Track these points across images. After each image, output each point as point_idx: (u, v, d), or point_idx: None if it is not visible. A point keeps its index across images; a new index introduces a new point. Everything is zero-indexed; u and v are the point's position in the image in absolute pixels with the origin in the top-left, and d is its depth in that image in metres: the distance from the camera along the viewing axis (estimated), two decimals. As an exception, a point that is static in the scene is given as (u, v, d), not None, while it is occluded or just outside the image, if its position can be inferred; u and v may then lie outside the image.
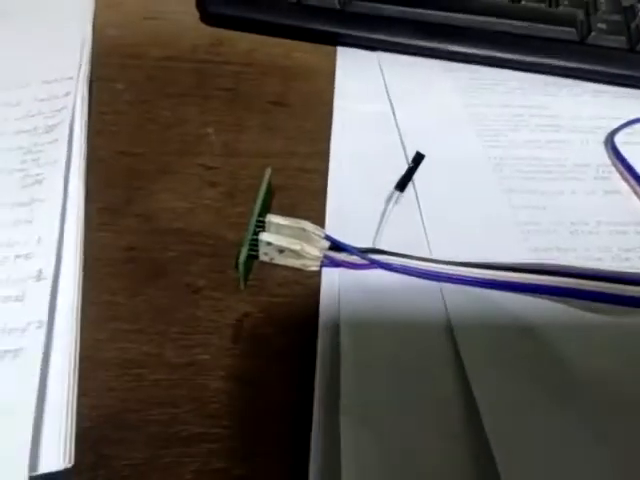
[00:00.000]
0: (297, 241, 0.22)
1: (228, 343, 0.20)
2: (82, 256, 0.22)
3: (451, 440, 0.18)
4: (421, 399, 0.19)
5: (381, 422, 0.18)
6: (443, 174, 0.27)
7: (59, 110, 0.28)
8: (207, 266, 0.22)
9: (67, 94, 0.29)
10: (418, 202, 0.25)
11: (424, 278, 0.22)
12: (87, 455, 0.17)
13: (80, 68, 0.31)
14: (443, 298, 0.21)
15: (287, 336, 0.20)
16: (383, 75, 0.33)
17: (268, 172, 0.24)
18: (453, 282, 0.22)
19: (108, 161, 0.27)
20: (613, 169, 0.28)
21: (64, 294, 0.20)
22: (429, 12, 0.34)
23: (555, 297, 0.22)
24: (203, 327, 0.20)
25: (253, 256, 0.22)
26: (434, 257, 0.23)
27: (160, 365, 0.19)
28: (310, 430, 0.18)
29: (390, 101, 0.31)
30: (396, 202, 0.24)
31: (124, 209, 0.24)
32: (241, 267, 0.21)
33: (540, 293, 0.22)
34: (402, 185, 0.23)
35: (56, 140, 0.26)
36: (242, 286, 0.21)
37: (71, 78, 0.30)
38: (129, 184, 0.26)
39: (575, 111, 0.31)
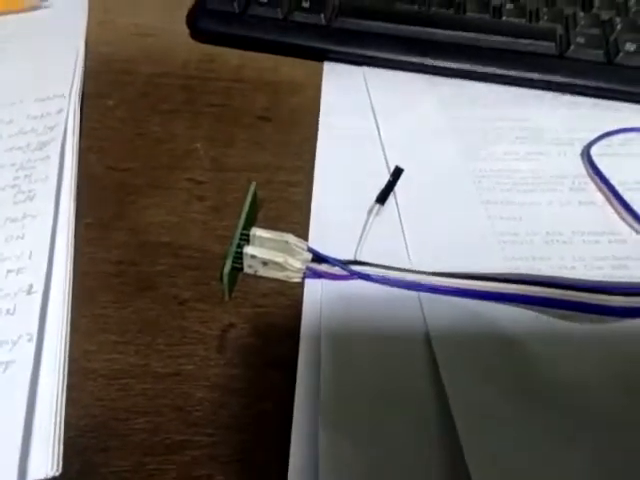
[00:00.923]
0: (280, 254, 0.23)
1: (213, 353, 0.21)
2: (72, 270, 0.23)
3: (429, 447, 0.18)
4: (399, 407, 0.19)
5: (359, 431, 0.18)
6: (424, 187, 0.27)
7: (52, 127, 0.29)
8: (193, 278, 0.23)
9: (60, 111, 0.30)
10: (399, 214, 0.26)
11: (403, 288, 0.23)
12: (74, 463, 0.18)
13: (72, 85, 0.32)
14: (422, 307, 0.22)
15: (271, 346, 0.21)
16: (368, 90, 0.34)
17: (252, 186, 0.24)
18: (431, 292, 0.23)
19: (98, 176, 0.27)
20: (589, 180, 0.28)
21: (54, 307, 0.21)
22: (413, 28, 0.35)
23: (530, 306, 0.22)
24: (189, 338, 0.21)
25: (237, 268, 0.23)
26: (414, 267, 0.23)
27: (146, 375, 0.20)
28: (290, 437, 0.18)
29: (374, 116, 0.32)
30: (377, 214, 0.25)
31: (114, 224, 0.25)
32: (225, 279, 0.21)
33: (516, 302, 0.22)
34: (382, 198, 0.24)
35: (48, 157, 0.27)
36: (227, 297, 0.22)
37: (63, 96, 0.31)
38: (119, 199, 0.26)
39: (553, 123, 0.32)
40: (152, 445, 0.18)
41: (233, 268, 0.22)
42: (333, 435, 0.18)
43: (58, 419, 0.18)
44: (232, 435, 0.19)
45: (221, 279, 0.22)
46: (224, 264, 0.22)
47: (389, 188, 0.24)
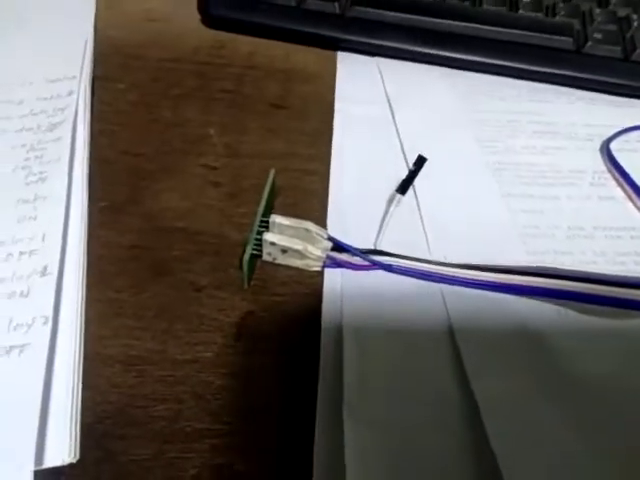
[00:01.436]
0: (300, 241, 0.22)
1: (231, 341, 0.20)
2: (86, 253, 0.22)
3: (453, 439, 0.18)
4: (423, 399, 0.19)
5: (384, 422, 0.18)
6: (442, 178, 0.27)
7: (62, 109, 0.28)
8: (210, 265, 0.23)
9: (70, 93, 0.29)
10: (418, 205, 0.26)
11: (424, 279, 0.22)
12: (92, 450, 0.17)
13: (83, 68, 0.31)
14: (443, 299, 0.22)
15: (289, 335, 0.21)
16: (383, 80, 0.34)
17: (272, 173, 0.24)
18: (453, 284, 0.22)
19: (111, 160, 0.27)
20: (608, 175, 0.28)
21: (68, 290, 0.20)
22: (428, 19, 0.35)
23: (553, 299, 0.22)
24: (206, 325, 0.21)
25: (256, 255, 0.22)
26: (434, 259, 0.23)
27: (164, 362, 0.19)
28: (311, 428, 0.18)
29: (390, 105, 0.32)
30: (397, 204, 0.24)
31: (127, 208, 0.24)
32: (245, 266, 0.21)
33: (539, 295, 0.22)
34: (403, 188, 0.24)
35: (59, 138, 0.26)
36: (245, 285, 0.22)
37: (74, 77, 0.30)
38: (132, 183, 0.26)
39: (571, 118, 0.32)
40: (172, 433, 0.18)
41: (252, 255, 0.21)
42: (358, 424, 0.18)
43: (75, 404, 0.18)
44: (252, 424, 0.18)
45: (240, 266, 0.21)
46: (244, 251, 0.21)
47: (411, 177, 0.23)
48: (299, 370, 0.20)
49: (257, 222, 0.22)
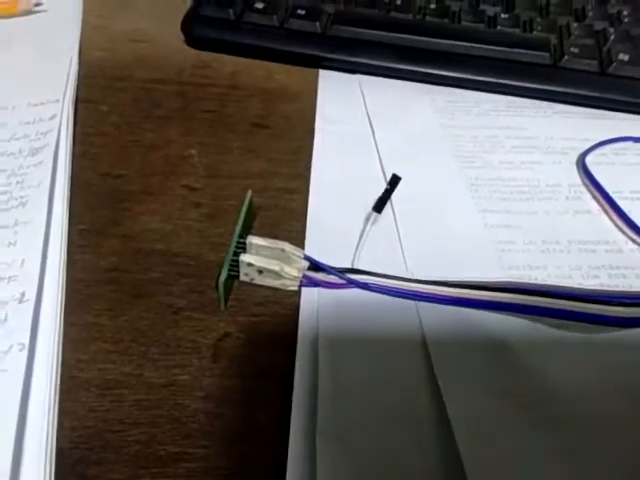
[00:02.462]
0: (276, 262, 0.22)
1: (208, 363, 0.20)
2: (65, 278, 0.22)
3: (426, 458, 0.18)
4: (397, 417, 0.19)
5: (357, 442, 0.18)
6: (420, 194, 0.27)
7: (44, 133, 0.29)
8: (188, 286, 0.23)
9: (53, 117, 0.30)
10: (396, 222, 0.26)
11: (401, 297, 0.23)
12: (67, 476, 0.17)
13: (66, 91, 0.31)
14: (419, 316, 0.22)
15: (267, 356, 0.21)
16: (364, 97, 0.34)
17: (249, 194, 0.24)
18: (430, 301, 0.22)
19: (92, 183, 0.27)
20: (584, 189, 0.29)
21: (46, 316, 0.21)
22: (407, 37, 0.35)
23: (528, 315, 0.22)
24: (183, 347, 0.21)
25: (233, 276, 0.23)
26: (411, 276, 0.23)
27: (140, 385, 0.19)
28: (288, 449, 0.18)
29: (370, 123, 0.32)
30: (374, 223, 0.25)
31: (107, 230, 0.25)
32: (221, 287, 0.21)
33: (514, 312, 0.22)
34: (379, 206, 0.24)
35: (41, 163, 0.27)
36: (222, 306, 0.22)
37: (57, 101, 0.31)
38: (113, 205, 0.26)
39: (548, 133, 0.32)
40: (146, 457, 0.18)
41: (229, 276, 0.22)
42: (331, 447, 0.18)
43: (51, 430, 0.18)
44: (227, 447, 0.18)
45: (217, 287, 0.22)
46: (220, 272, 0.21)
47: (386, 196, 0.24)
48: (276, 391, 0.20)
49: (234, 243, 0.22)
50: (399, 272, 0.23)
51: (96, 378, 0.20)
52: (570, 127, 0.33)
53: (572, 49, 0.35)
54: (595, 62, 0.35)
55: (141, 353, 0.20)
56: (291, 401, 0.19)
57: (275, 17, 0.36)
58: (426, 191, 0.28)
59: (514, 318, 0.22)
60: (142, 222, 0.25)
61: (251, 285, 0.23)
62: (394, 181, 0.23)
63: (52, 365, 0.19)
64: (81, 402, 0.19)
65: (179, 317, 0.22)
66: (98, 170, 0.28)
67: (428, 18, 0.37)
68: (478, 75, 0.35)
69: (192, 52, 0.37)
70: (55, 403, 0.19)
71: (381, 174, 0.29)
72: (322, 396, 0.19)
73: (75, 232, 0.24)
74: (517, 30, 0.36)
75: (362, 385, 0.20)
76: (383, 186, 0.27)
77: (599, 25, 0.37)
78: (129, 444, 0.18)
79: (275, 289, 0.23)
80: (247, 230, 0.24)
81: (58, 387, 0.19)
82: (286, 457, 0.18)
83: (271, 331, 0.22)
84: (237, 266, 0.22)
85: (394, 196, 0.26)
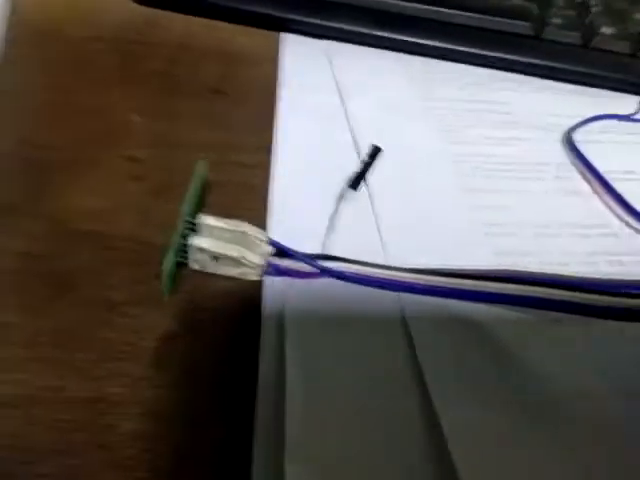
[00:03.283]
0: (235, 246, 0.19)
1: (147, 372, 0.16)
2: (-33, 266, 0.18)
3: (409, 471, 0.15)
4: (379, 430, 0.16)
5: (332, 464, 0.15)
6: (398, 171, 0.24)
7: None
8: (128, 277, 0.19)
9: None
10: (372, 202, 0.23)
11: (381, 287, 0.19)
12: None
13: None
14: (402, 309, 0.19)
15: (222, 361, 0.17)
16: (332, 65, 0.31)
17: (202, 165, 0.20)
18: (413, 291, 0.19)
19: (8, 152, 0.22)
20: (573, 168, 0.26)
21: (-62, 314, 0.16)
22: (382, 0, 0.32)
23: (520, 307, 0.20)
24: (117, 352, 0.17)
25: (182, 263, 0.19)
26: (390, 263, 0.20)
27: (61, 402, 0.15)
28: (250, 474, 0.15)
29: (339, 93, 0.29)
30: (347, 201, 0.21)
31: (24, 208, 0.20)
32: (164, 276, 0.17)
33: (506, 303, 0.20)
34: (356, 183, 0.21)
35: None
36: (166, 298, 0.18)
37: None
38: (33, 179, 0.22)
39: (531, 107, 0.30)
40: (65, 497, 0.14)
41: (176, 263, 0.18)
42: (301, 471, 0.15)
43: None
44: (173, 478, 0.15)
45: (160, 275, 0.18)
46: (164, 257, 0.17)
47: (364, 171, 0.20)
48: (234, 404, 0.16)
49: (182, 223, 0.18)
50: (375, 258, 0.20)
51: (2, 394, 0.15)
52: (554, 103, 0.31)
53: (554, 20, 0.33)
54: (578, 34, 0.33)
55: (63, 361, 0.16)
56: (253, 417, 0.16)
57: (232, -29, 0.32)
58: (404, 168, 0.24)
59: (507, 311, 0.19)
60: (70, 198, 0.21)
61: (203, 274, 0.19)
62: (374, 153, 0.20)
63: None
64: (-19, 425, 0.15)
65: (113, 314, 0.18)
66: (16, 137, 0.23)
67: (404, -20, 0.33)
68: (456, 44, 0.32)
69: (138, 9, 0.33)
70: (-55, 428, 0.14)
71: (352, 149, 0.25)
72: (291, 413, 0.15)
73: (-17, 210, 0.20)
74: (497, -3, 0.34)
75: (339, 392, 0.17)
76: (355, 161, 0.24)
77: (581, -4, 0.35)
78: (40, 479, 0.14)
79: (232, 279, 0.19)
80: (198, 209, 0.20)
81: (-49, 406, 0.15)
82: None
83: (227, 330, 0.18)
84: (186, 251, 0.18)
85: (368, 173, 0.23)
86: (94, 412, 0.15)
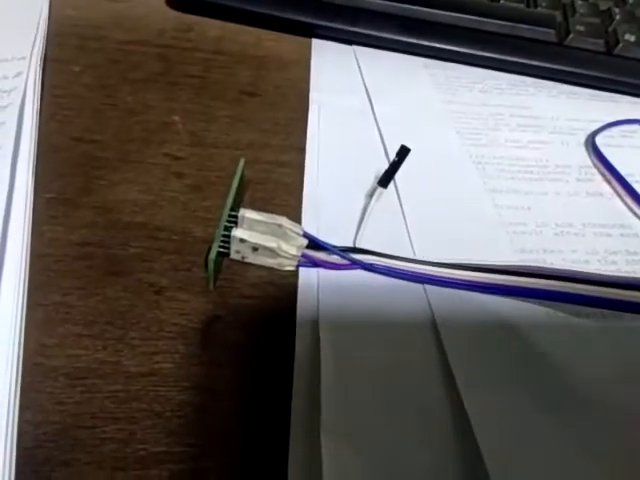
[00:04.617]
0: (273, 238, 0.20)
1: (195, 350, 0.18)
2: (30, 251, 0.19)
3: (437, 453, 0.16)
4: (406, 409, 0.17)
5: (364, 437, 0.16)
6: (424, 171, 0.25)
7: (8, 91, 0.26)
8: (171, 264, 0.20)
9: (18, 74, 0.27)
10: (400, 200, 0.24)
11: (409, 280, 0.21)
12: (31, 479, 0.15)
13: (34, 47, 0.28)
14: (428, 301, 0.20)
15: (260, 342, 0.19)
16: (360, 69, 0.32)
17: (241, 163, 0.22)
18: (438, 284, 0.21)
19: (62, 148, 0.24)
20: (595, 171, 0.27)
21: (7, 294, 0.18)
22: (408, 7, 0.33)
23: (543, 300, 0.21)
24: (166, 332, 0.18)
25: (223, 254, 0.20)
26: (417, 257, 0.21)
27: (117, 375, 0.17)
28: (286, 447, 0.16)
29: (368, 95, 0.30)
30: (377, 199, 0.22)
31: (79, 200, 0.22)
32: (210, 265, 0.19)
33: (528, 296, 0.21)
34: (385, 181, 0.22)
35: (3, 123, 0.24)
36: (211, 286, 0.19)
37: (24, 58, 0.28)
38: (85, 173, 0.23)
39: (553, 112, 0.31)
40: (124, 458, 0.15)
41: (218, 253, 0.19)
42: (336, 441, 0.16)
43: (11, 427, 0.15)
44: (218, 446, 0.16)
45: (205, 265, 0.19)
46: (209, 248, 0.19)
47: (393, 169, 0.21)
48: (273, 381, 0.18)
49: (225, 216, 0.20)
50: (404, 253, 0.21)
51: (65, 366, 0.17)
52: (576, 108, 0.31)
53: (578, 27, 0.34)
54: (601, 41, 0.33)
55: (118, 338, 0.18)
56: (290, 392, 0.17)
57: (266, -22, 0.33)
58: (430, 168, 0.26)
59: (530, 304, 0.20)
60: (118, 192, 0.23)
61: (243, 264, 0.21)
62: (403, 152, 0.21)
63: (14, 350, 0.17)
64: (47, 394, 0.16)
65: (161, 298, 0.19)
66: (69, 134, 0.25)
67: (430, -12, 0.34)
68: (480, 50, 0.33)
69: (173, 14, 0.34)
70: (16, 395, 0.16)
71: (380, 148, 0.26)
72: (325, 386, 0.17)
73: (42, 202, 0.22)
74: (521, 5, 0.35)
75: (369, 373, 0.18)
76: (383, 161, 0.25)
77: (604, 5, 0.35)
78: (103, 442, 0.16)
79: (270, 269, 0.20)
80: (239, 203, 0.22)
81: (20, 376, 0.16)
82: (287, 455, 0.15)
83: (266, 314, 0.19)
84: (228, 242, 0.20)
85: (397, 173, 0.24)
86: (147, 384, 0.17)
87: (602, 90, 0.33)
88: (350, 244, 0.21)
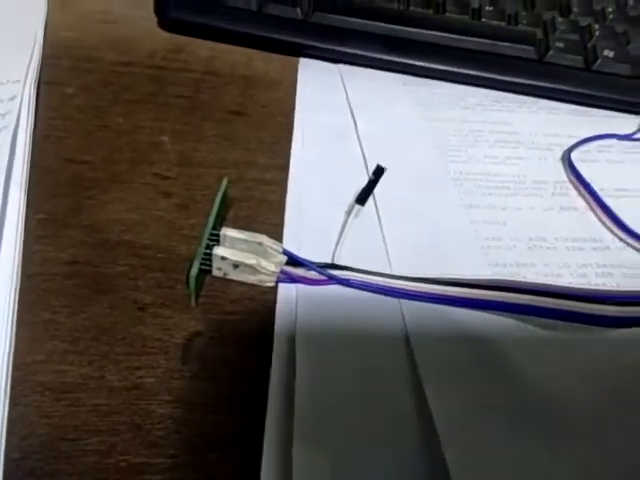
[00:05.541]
0: (253, 255, 0.21)
1: (176, 364, 0.19)
2: (20, 271, 0.20)
3: (407, 461, 0.17)
4: (377, 420, 0.18)
5: (335, 445, 0.17)
6: (404, 188, 0.26)
7: (3, 115, 0.27)
8: (156, 281, 0.21)
9: (13, 98, 0.28)
10: (378, 216, 0.25)
11: (384, 294, 0.21)
12: (15, 490, 0.16)
13: (28, 71, 0.29)
14: (402, 315, 0.21)
15: (241, 356, 0.19)
16: (345, 87, 0.33)
17: (224, 182, 0.23)
18: (413, 298, 0.21)
19: (54, 169, 0.25)
20: (570, 185, 0.28)
21: (-3, 312, 0.19)
22: (391, 26, 0.34)
23: (514, 314, 0.21)
24: (149, 347, 0.19)
25: (205, 271, 0.21)
26: (394, 272, 0.22)
27: (100, 389, 0.18)
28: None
29: (352, 114, 0.31)
30: (356, 216, 0.23)
31: (69, 220, 0.23)
32: (192, 282, 0.20)
33: (499, 310, 0.21)
34: (362, 199, 0.23)
35: (-3, 146, 0.25)
36: (193, 303, 0.20)
37: (18, 81, 0.29)
38: (76, 193, 0.24)
39: (532, 128, 0.32)
40: (105, 468, 0.16)
41: (201, 270, 0.20)
42: (308, 451, 0.17)
43: (-3, 440, 0.16)
44: (197, 457, 0.17)
45: (187, 282, 0.20)
46: (191, 265, 0.20)
47: (370, 188, 0.22)
48: (251, 395, 0.18)
49: (206, 235, 0.21)
50: (382, 268, 0.22)
51: (51, 381, 0.18)
52: (555, 123, 0.32)
53: (557, 44, 0.34)
54: (580, 58, 0.34)
55: (102, 353, 0.19)
56: (266, 405, 0.18)
57: (253, 1, 0.34)
58: (410, 185, 0.27)
59: (502, 318, 0.21)
60: (107, 211, 0.24)
61: (224, 280, 0.21)
62: (378, 172, 0.22)
63: (3, 366, 0.17)
64: (34, 407, 0.17)
65: (145, 314, 0.20)
66: (61, 155, 0.26)
67: (412, 8, 0.35)
68: (462, 68, 0.34)
69: (165, 35, 0.35)
70: (4, 408, 0.17)
71: (363, 166, 0.27)
72: (299, 399, 0.18)
73: (33, 221, 0.22)
74: (502, 23, 0.35)
75: (342, 386, 0.19)
76: (365, 178, 0.26)
77: (584, 21, 0.36)
78: (86, 454, 0.16)
79: (250, 285, 0.21)
80: (221, 221, 0.22)
81: (8, 390, 0.17)
82: (260, 466, 0.16)
83: (245, 330, 0.20)
84: (210, 260, 0.21)
85: (376, 189, 0.25)
86: (130, 398, 0.18)
87: (581, 105, 0.34)
88: (330, 260, 0.22)
